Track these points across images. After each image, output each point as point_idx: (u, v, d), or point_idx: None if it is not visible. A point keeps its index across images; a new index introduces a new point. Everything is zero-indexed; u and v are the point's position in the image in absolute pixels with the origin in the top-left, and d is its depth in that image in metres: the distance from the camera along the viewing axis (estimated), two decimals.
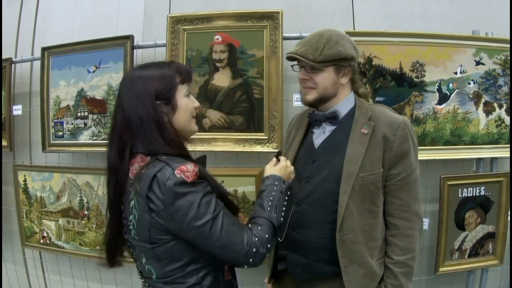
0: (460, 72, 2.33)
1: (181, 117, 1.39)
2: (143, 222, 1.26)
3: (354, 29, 2.45)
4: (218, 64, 2.47)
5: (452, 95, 2.34)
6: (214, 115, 2.50)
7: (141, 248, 1.32)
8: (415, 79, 2.30)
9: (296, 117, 1.91)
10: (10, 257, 3.17)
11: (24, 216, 2.99)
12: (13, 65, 2.98)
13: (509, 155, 2.37)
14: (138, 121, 1.31)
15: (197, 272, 1.32)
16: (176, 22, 2.50)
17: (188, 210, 1.22)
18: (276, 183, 1.48)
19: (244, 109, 2.46)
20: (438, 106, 2.33)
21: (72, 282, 2.98)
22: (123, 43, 2.62)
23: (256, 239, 1.29)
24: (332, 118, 1.65)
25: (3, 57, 3.00)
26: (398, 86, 2.30)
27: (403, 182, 1.58)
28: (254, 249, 1.28)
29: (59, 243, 2.89)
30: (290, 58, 1.64)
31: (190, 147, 2.35)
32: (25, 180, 2.95)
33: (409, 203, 1.59)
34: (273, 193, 1.44)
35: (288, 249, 1.68)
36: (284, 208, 1.45)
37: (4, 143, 2.98)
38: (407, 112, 2.29)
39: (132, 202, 1.28)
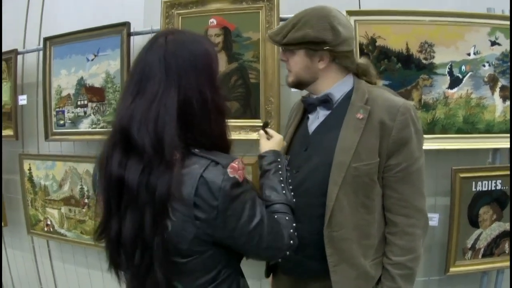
0: (474, 53, 1.87)
1: None
2: (183, 233, 0.94)
3: (360, 8, 2.01)
4: None
5: (464, 79, 1.88)
6: None
7: (167, 265, 0.97)
8: (424, 61, 1.85)
9: (297, 101, 1.61)
10: (18, 244, 2.92)
11: (30, 204, 2.70)
12: (19, 55, 2.68)
13: None
14: (201, 108, 0.97)
15: (228, 278, 1.05)
16: (171, 6, 2.14)
17: (241, 214, 0.97)
18: (279, 159, 1.27)
19: (240, 94, 2.07)
20: (449, 91, 1.87)
21: (74, 269, 2.70)
22: (120, 30, 2.29)
23: (291, 231, 1.10)
24: (325, 101, 1.36)
25: (11, 48, 2.70)
26: (404, 69, 1.86)
27: (403, 174, 1.27)
28: (291, 241, 1.09)
29: (62, 231, 2.59)
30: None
31: None
32: (30, 169, 2.67)
33: (410, 197, 1.28)
34: (280, 172, 1.23)
35: None
36: (291, 187, 1.25)
37: (10, 132, 2.70)
38: (415, 97, 1.86)
39: (177, 210, 0.93)
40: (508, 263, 1.97)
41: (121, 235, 0.95)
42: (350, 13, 1.85)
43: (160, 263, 0.93)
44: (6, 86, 2.76)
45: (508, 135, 1.89)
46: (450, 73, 1.86)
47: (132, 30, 2.29)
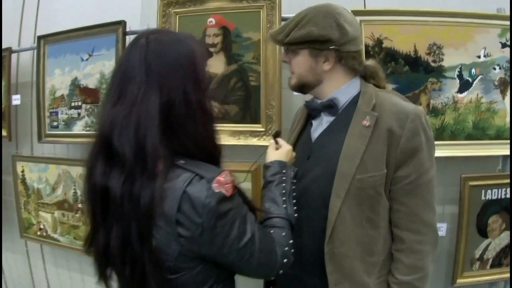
0: (484, 56, 1.76)
1: None
2: (167, 251, 0.87)
3: (365, 7, 1.89)
4: (211, 49, 1.98)
5: (474, 82, 1.77)
6: None
7: (157, 280, 0.90)
8: (432, 64, 1.74)
9: (301, 106, 1.49)
10: (11, 246, 2.82)
11: (23, 207, 2.59)
12: (13, 54, 2.56)
13: None
14: (185, 111, 0.89)
15: None
16: (168, 5, 2.02)
17: (230, 231, 0.88)
18: (284, 170, 1.17)
19: (240, 97, 1.96)
20: (459, 95, 1.76)
21: (68, 274, 2.60)
22: (115, 29, 2.18)
23: (286, 249, 1.01)
24: (330, 107, 1.25)
25: (5, 46, 2.59)
26: (412, 72, 1.75)
27: (412, 186, 1.15)
28: (285, 260, 1.00)
29: (55, 236, 2.47)
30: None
31: None
32: (23, 171, 2.56)
33: (419, 211, 1.17)
34: (283, 184, 1.14)
35: None
36: (294, 201, 1.15)
37: (4, 133, 2.59)
38: (423, 102, 1.75)
39: (160, 225, 0.86)
40: None
41: (109, 248, 0.89)
42: (356, 12, 1.71)
43: (153, 276, 0.87)
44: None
45: None
46: (460, 76, 1.75)
47: (128, 29, 2.17)
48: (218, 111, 1.97)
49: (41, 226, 2.52)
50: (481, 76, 1.77)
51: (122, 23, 2.16)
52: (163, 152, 0.86)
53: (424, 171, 1.15)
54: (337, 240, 1.15)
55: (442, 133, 1.76)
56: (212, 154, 0.96)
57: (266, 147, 1.76)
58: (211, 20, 1.97)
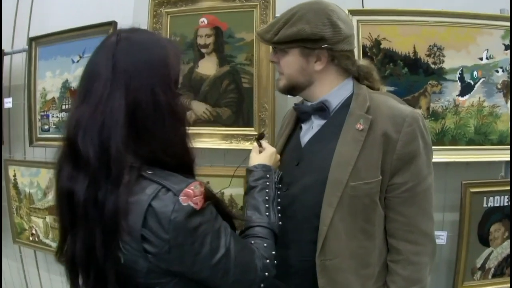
0: (486, 58, 1.66)
1: None
2: (135, 267, 0.82)
3: (363, 7, 1.79)
4: (203, 50, 1.90)
5: (476, 85, 1.67)
6: (199, 108, 1.92)
7: None
8: (432, 66, 1.64)
9: (290, 108, 1.40)
10: (4, 251, 2.70)
11: (15, 212, 2.52)
12: (6, 56, 2.49)
13: None
14: (153, 112, 0.83)
15: None
16: (159, 4, 1.94)
17: (201, 248, 0.82)
18: (268, 175, 1.12)
19: (232, 100, 1.87)
20: (460, 98, 1.66)
21: (60, 280, 2.47)
22: (106, 30, 2.09)
23: (267, 261, 0.94)
24: (321, 110, 1.17)
25: None
26: (411, 74, 1.65)
27: (409, 194, 1.08)
28: (267, 273, 0.94)
29: (47, 241, 2.39)
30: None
31: None
32: (15, 175, 2.48)
33: (417, 221, 1.10)
34: (267, 190, 1.08)
35: None
36: (279, 207, 1.09)
37: None
38: (423, 105, 1.65)
39: (126, 240, 0.80)
40: None
41: (76, 256, 0.84)
42: (353, 12, 1.66)
43: (114, 286, 0.81)
44: None
45: None
46: (461, 79, 1.65)
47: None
48: (210, 114, 1.89)
49: (33, 231, 2.44)
50: (484, 79, 1.67)
51: (112, 24, 2.07)
52: (129, 157, 0.81)
53: (422, 178, 1.08)
54: (329, 252, 1.07)
55: (443, 138, 1.67)
56: (182, 160, 0.90)
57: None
58: (203, 20, 1.88)
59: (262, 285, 0.93)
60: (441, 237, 1.70)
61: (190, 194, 0.79)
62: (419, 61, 1.64)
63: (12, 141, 2.60)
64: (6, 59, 2.52)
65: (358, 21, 1.65)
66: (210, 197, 0.86)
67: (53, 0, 2.56)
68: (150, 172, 0.82)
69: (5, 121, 2.53)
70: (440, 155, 1.63)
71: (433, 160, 1.59)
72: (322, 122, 1.17)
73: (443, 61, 1.64)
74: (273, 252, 0.97)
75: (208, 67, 1.90)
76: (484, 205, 1.71)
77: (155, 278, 0.83)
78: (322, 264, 1.08)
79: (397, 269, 1.10)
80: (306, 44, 1.10)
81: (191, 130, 1.86)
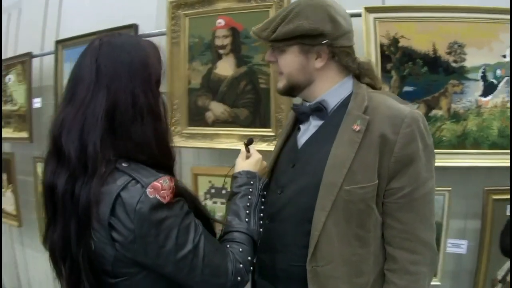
0: (510, 55, 1.54)
1: None
2: (104, 254, 0.86)
3: (384, 3, 1.71)
4: (221, 51, 1.88)
5: (500, 85, 1.55)
6: (217, 108, 1.92)
7: (105, 281, 0.90)
8: (453, 64, 1.54)
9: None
10: (30, 243, 2.88)
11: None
12: (35, 59, 2.61)
13: None
14: (131, 112, 0.87)
15: None
16: (177, 7, 1.94)
17: (165, 241, 0.84)
18: (252, 182, 1.12)
19: (249, 101, 1.85)
20: (483, 99, 1.54)
21: None
22: (127, 32, 2.10)
23: (241, 266, 0.95)
24: (318, 110, 1.12)
25: (26, 51, 2.64)
26: (431, 73, 1.56)
27: (407, 199, 1.01)
28: (239, 278, 0.95)
29: None
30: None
31: (190, 143, 1.89)
32: (43, 172, 2.53)
33: (415, 228, 1.03)
34: (249, 197, 1.09)
35: (258, 273, 1.20)
36: (261, 215, 1.10)
37: (26, 135, 2.64)
38: (443, 106, 1.55)
39: (96, 227, 0.85)
40: None
41: (55, 245, 0.90)
42: (369, 9, 1.58)
43: (86, 277, 0.86)
44: (21, 89, 2.68)
45: None
46: (484, 78, 1.54)
47: (142, 32, 2.11)
48: (228, 114, 1.88)
49: None
50: (507, 78, 1.55)
51: (133, 27, 2.12)
52: (105, 154, 0.85)
53: (421, 183, 1.01)
54: (320, 258, 1.03)
55: (464, 141, 1.56)
56: (159, 160, 0.92)
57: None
58: (220, 22, 1.87)
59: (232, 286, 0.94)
60: (462, 246, 1.62)
61: (158, 188, 0.82)
62: (439, 59, 1.54)
63: (41, 140, 2.66)
64: (35, 61, 2.64)
65: (375, 18, 1.58)
66: (182, 194, 0.89)
67: (79, 4, 2.63)
68: (125, 165, 0.86)
69: (35, 120, 2.61)
70: (461, 159, 1.54)
71: (455, 164, 1.54)
72: (320, 123, 1.12)
73: (464, 59, 1.53)
74: (249, 258, 0.98)
75: (226, 67, 1.89)
76: (507, 213, 1.59)
77: (122, 267, 0.86)
78: (313, 271, 1.04)
79: (393, 279, 1.04)
80: (305, 41, 1.05)
81: (210, 130, 1.89)
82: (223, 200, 1.95)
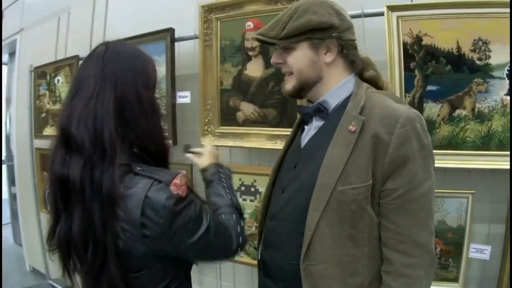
0: (510, 56, 1.57)
1: None
2: (132, 251, 0.99)
3: (411, 1, 1.78)
4: (250, 53, 2.09)
5: None
6: (247, 108, 2.12)
7: (125, 280, 1.03)
8: (478, 62, 1.59)
9: None
10: None
11: None
12: (80, 62, 2.93)
13: None
14: (137, 105, 1.02)
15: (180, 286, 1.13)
16: (209, 11, 2.16)
17: (185, 228, 1.01)
18: (220, 169, 1.38)
19: (277, 101, 2.03)
20: (508, 98, 1.58)
21: None
22: (165, 36, 2.39)
23: (239, 230, 1.17)
24: (319, 111, 1.19)
25: (74, 54, 3.02)
26: (455, 72, 1.62)
27: (401, 201, 1.05)
28: (241, 239, 1.16)
29: None
30: (258, 41, 1.24)
31: (222, 141, 2.14)
32: None
33: (410, 230, 1.06)
34: (224, 180, 1.35)
35: (262, 270, 1.31)
36: (234, 191, 1.35)
37: None
38: (467, 105, 1.61)
39: (124, 228, 0.98)
40: None
41: (71, 234, 0.98)
42: (392, 8, 1.69)
43: (114, 260, 0.97)
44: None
45: None
46: (509, 76, 1.57)
47: (178, 36, 2.37)
48: (258, 114, 2.08)
49: None
50: None
51: (170, 31, 2.35)
52: (119, 140, 0.98)
53: (416, 184, 1.04)
54: (313, 257, 1.10)
55: (489, 142, 1.60)
56: (161, 148, 1.09)
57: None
58: (249, 24, 2.06)
59: (239, 250, 1.16)
60: (485, 251, 1.65)
61: (178, 184, 0.98)
62: (463, 57, 1.61)
63: None
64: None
65: (398, 17, 1.68)
66: (188, 186, 1.04)
67: (123, 9, 2.95)
68: (140, 169, 1.00)
69: None
70: (486, 161, 1.59)
71: (479, 166, 1.60)
72: (321, 123, 1.19)
73: (489, 57, 1.58)
74: (241, 223, 1.20)
75: (255, 69, 2.08)
76: None
77: (148, 260, 1.02)
78: (306, 269, 1.10)
79: (388, 281, 1.08)
80: (316, 35, 1.12)
81: (241, 130, 2.11)
82: (252, 198, 2.16)
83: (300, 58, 1.15)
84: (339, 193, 1.06)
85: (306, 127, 1.27)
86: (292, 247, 1.15)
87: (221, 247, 1.11)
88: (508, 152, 1.58)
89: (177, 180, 0.99)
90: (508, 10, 1.54)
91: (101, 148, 0.96)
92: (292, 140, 1.35)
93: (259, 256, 1.32)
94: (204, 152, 1.45)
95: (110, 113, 0.98)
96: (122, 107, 1.00)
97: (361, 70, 1.21)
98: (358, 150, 1.06)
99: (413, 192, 1.05)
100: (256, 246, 2.17)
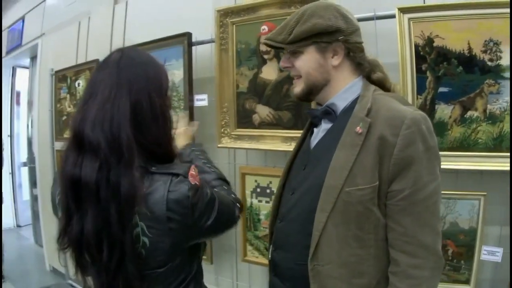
0: (510, 57, 1.60)
1: None
2: (160, 246, 1.07)
3: (424, 2, 1.84)
4: (265, 56, 2.16)
5: None
6: (263, 111, 2.20)
7: (146, 278, 1.09)
8: (489, 63, 1.62)
9: None
10: None
11: None
12: None
13: None
14: (149, 111, 1.09)
15: (192, 280, 1.20)
16: (224, 15, 2.25)
17: (205, 212, 1.10)
18: (193, 148, 1.48)
19: (291, 104, 2.10)
20: None
21: None
22: (182, 40, 2.48)
23: (233, 195, 1.31)
24: (327, 113, 1.24)
25: (94, 58, 3.16)
26: (466, 73, 1.66)
27: (406, 202, 1.08)
28: (238, 204, 1.28)
29: None
30: (266, 45, 1.31)
31: (238, 144, 2.25)
32: None
33: (415, 232, 1.09)
34: (200, 157, 1.44)
35: (272, 271, 1.36)
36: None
37: None
38: (479, 107, 1.64)
39: (138, 230, 1.04)
40: None
41: (83, 234, 1.02)
42: (403, 10, 1.73)
43: (132, 259, 1.03)
44: None
45: None
46: (510, 76, 1.60)
47: (195, 40, 2.46)
48: (273, 117, 2.15)
49: None
50: None
51: (187, 35, 2.44)
52: (136, 144, 1.04)
53: (422, 186, 1.08)
54: (321, 258, 1.14)
55: (501, 144, 1.63)
56: (169, 155, 1.16)
57: None
58: (264, 28, 2.13)
59: (240, 215, 1.28)
60: (497, 253, 1.67)
61: (194, 175, 1.07)
62: (475, 58, 1.64)
63: None
64: None
65: (409, 19, 1.72)
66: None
67: (141, 14, 3.08)
68: (155, 168, 1.08)
69: None
70: (498, 163, 1.62)
71: (490, 168, 1.63)
72: (329, 126, 1.24)
73: (500, 58, 1.61)
74: (231, 189, 1.35)
75: (270, 72, 2.16)
76: None
77: (172, 253, 1.09)
78: (314, 269, 1.14)
79: (394, 282, 1.11)
80: (323, 38, 1.17)
81: (257, 132, 2.19)
82: (268, 199, 2.23)
83: (307, 62, 1.21)
84: (345, 194, 1.10)
85: (315, 129, 1.32)
86: (300, 248, 1.20)
87: (228, 217, 1.21)
88: None
89: (192, 171, 1.08)
90: None
91: (119, 151, 1.01)
92: (302, 143, 1.40)
93: (269, 256, 1.37)
94: (178, 132, 1.52)
95: (127, 117, 1.04)
96: (135, 113, 1.06)
97: (368, 72, 1.26)
98: (364, 152, 1.10)
99: (419, 194, 1.08)
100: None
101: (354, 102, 1.20)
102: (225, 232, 1.25)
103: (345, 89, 1.23)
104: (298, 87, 1.26)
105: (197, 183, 1.07)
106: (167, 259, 1.09)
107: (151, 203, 1.03)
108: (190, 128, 1.59)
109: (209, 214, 1.11)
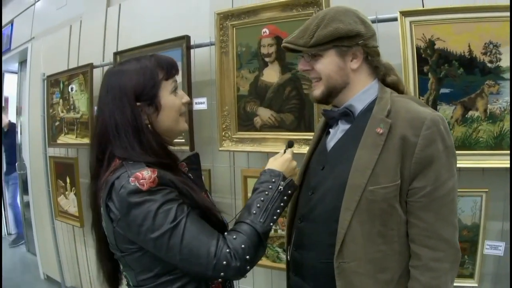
0: (510, 57, 1.70)
1: (167, 117, 1.27)
2: (109, 230, 1.19)
3: (423, 6, 1.94)
4: (266, 59, 2.24)
5: None
6: (265, 113, 2.27)
7: (116, 255, 1.25)
8: (489, 64, 1.73)
9: None
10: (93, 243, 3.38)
11: None
12: (96, 69, 3.12)
13: None
14: (114, 127, 1.20)
15: (171, 283, 1.20)
16: (224, 18, 2.32)
17: (143, 221, 1.10)
18: (274, 179, 1.29)
19: (294, 106, 2.18)
20: None
21: None
22: (180, 43, 2.54)
23: (227, 250, 1.11)
24: (345, 114, 1.32)
25: (88, 62, 3.19)
26: (467, 74, 1.76)
27: (428, 199, 1.17)
28: (225, 262, 1.10)
29: None
30: (286, 49, 1.36)
31: (239, 147, 2.28)
32: None
33: (435, 226, 1.17)
34: (266, 192, 1.25)
35: (292, 270, 1.43)
36: (278, 211, 1.25)
37: (88, 141, 3.12)
38: (480, 107, 1.74)
39: (102, 209, 1.20)
40: None
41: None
42: (405, 13, 1.83)
43: (102, 237, 1.27)
44: (83, 98, 3.21)
45: None
46: (510, 76, 1.70)
47: (194, 43, 2.50)
48: (275, 119, 2.22)
49: None
50: None
51: (185, 38, 2.50)
52: (115, 157, 1.20)
53: (441, 183, 1.16)
54: (346, 255, 1.20)
55: (501, 142, 1.73)
56: (162, 161, 1.22)
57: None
58: (265, 31, 2.21)
59: (222, 274, 1.11)
60: (499, 248, 1.76)
61: (138, 177, 1.11)
62: (475, 60, 1.74)
63: None
64: (96, 72, 3.12)
65: (411, 22, 1.82)
66: (168, 185, 1.14)
67: (136, 17, 3.11)
68: (131, 163, 1.17)
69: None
70: (499, 161, 1.71)
71: (491, 165, 1.72)
72: (347, 126, 1.31)
73: (500, 59, 1.71)
74: (243, 246, 1.13)
75: (271, 75, 2.23)
76: None
77: (122, 242, 1.18)
78: (340, 267, 1.21)
79: (416, 275, 1.19)
80: (343, 43, 1.23)
81: (258, 135, 2.25)
82: None
83: (328, 65, 1.27)
84: (369, 193, 1.17)
85: (331, 130, 1.39)
86: (323, 246, 1.27)
87: (187, 259, 1.10)
88: None
89: (140, 173, 1.11)
90: None
91: (101, 164, 1.25)
92: (317, 143, 1.47)
93: (288, 256, 1.42)
94: (283, 157, 1.38)
95: (111, 132, 1.21)
96: (107, 129, 1.21)
97: (383, 75, 1.34)
98: (386, 152, 1.18)
99: (439, 190, 1.16)
100: (278, 248, 2.32)
101: (372, 104, 1.28)
102: (192, 266, 1.12)
103: (362, 91, 1.30)
104: (317, 90, 1.32)
105: (138, 186, 1.10)
106: (120, 246, 1.19)
107: (104, 187, 1.16)
108: (294, 163, 1.39)
109: (152, 228, 1.09)
